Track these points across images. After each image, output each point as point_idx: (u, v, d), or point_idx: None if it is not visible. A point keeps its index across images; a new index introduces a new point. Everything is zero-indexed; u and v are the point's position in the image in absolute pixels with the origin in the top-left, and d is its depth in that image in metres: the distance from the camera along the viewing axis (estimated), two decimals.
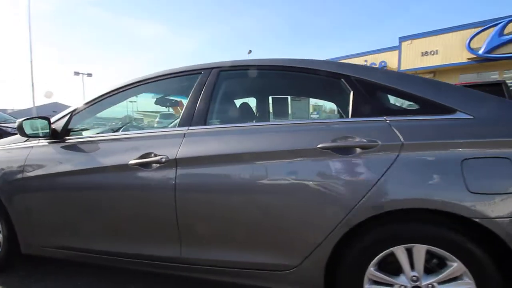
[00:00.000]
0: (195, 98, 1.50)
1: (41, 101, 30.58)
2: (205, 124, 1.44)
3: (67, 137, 1.69)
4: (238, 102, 1.99)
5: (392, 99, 1.36)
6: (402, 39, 11.35)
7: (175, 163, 1.36)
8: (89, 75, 30.24)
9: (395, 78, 1.31)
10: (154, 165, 1.39)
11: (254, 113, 2.09)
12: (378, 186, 1.10)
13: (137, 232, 1.49)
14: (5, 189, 1.72)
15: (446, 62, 10.22)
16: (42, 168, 1.66)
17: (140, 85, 1.72)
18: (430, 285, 1.11)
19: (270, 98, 2.16)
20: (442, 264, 1.11)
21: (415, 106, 1.23)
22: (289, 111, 2.51)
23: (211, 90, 1.50)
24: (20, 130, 1.63)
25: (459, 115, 1.15)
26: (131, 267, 1.53)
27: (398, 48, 11.60)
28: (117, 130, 1.97)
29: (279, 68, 1.51)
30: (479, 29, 9.20)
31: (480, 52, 9.17)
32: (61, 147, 1.67)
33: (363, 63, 13.94)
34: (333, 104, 2.10)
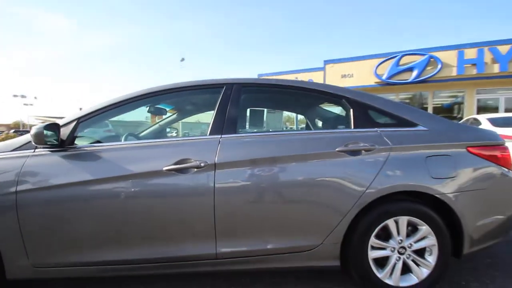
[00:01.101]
0: (222, 108, 1.70)
1: None
2: (235, 132, 1.66)
3: (70, 146, 1.62)
4: (263, 113, 2.25)
5: (375, 115, 1.86)
6: (326, 62, 13.29)
7: (214, 167, 1.53)
8: None
9: (380, 100, 1.82)
10: (192, 170, 1.53)
11: (276, 124, 2.37)
12: (378, 177, 1.56)
13: (170, 235, 1.56)
14: None
15: (359, 84, 12.42)
16: (44, 179, 1.53)
17: (159, 95, 1.80)
18: (409, 244, 1.61)
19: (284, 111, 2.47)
20: (416, 229, 1.62)
21: (393, 121, 1.76)
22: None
23: (236, 102, 1.73)
24: (40, 137, 1.49)
25: (419, 128, 1.72)
26: (165, 271, 1.57)
27: (323, 69, 13.48)
28: (134, 138, 1.95)
29: (296, 88, 1.87)
30: (383, 59, 11.64)
31: (384, 77, 11.56)
32: (68, 155, 1.59)
33: (294, 79, 15.57)
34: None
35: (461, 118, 9.89)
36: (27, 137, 1.63)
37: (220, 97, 1.74)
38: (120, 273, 1.59)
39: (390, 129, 1.70)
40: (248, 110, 1.84)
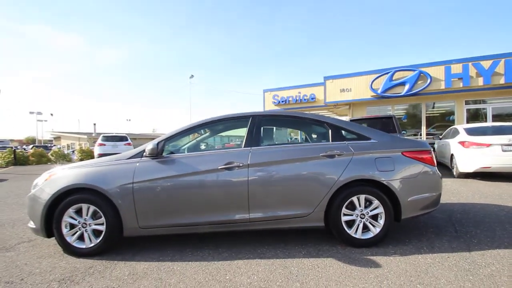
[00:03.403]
0: (251, 131, 2.81)
1: None
2: (259, 145, 2.75)
3: (161, 155, 2.73)
4: (274, 132, 3.38)
5: (344, 133, 2.93)
6: (327, 78, 14.47)
7: (247, 166, 2.62)
8: None
9: (347, 123, 2.90)
10: (235, 168, 2.61)
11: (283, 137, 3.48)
12: (346, 170, 2.61)
13: (222, 206, 2.62)
14: (119, 191, 2.59)
15: (357, 97, 13.56)
16: (150, 174, 2.63)
17: (214, 122, 2.97)
18: (367, 212, 2.64)
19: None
20: (370, 202, 2.66)
21: (355, 136, 2.83)
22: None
23: (259, 126, 2.84)
24: (156, 150, 2.62)
25: (371, 141, 2.79)
26: (215, 230, 2.64)
27: (323, 84, 14.65)
28: (198, 149, 3.08)
29: (294, 117, 2.99)
30: (378, 75, 12.77)
31: (379, 91, 12.66)
32: (161, 161, 2.69)
33: (297, 94, 16.76)
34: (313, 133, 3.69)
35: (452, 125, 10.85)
36: (137, 150, 2.76)
37: (249, 123, 2.85)
38: (193, 231, 2.65)
39: (353, 142, 2.78)
40: (263, 128, 2.92)
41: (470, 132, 6.78)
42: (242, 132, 2.95)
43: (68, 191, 2.60)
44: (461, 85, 11.28)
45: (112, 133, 16.55)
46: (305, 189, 2.63)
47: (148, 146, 2.67)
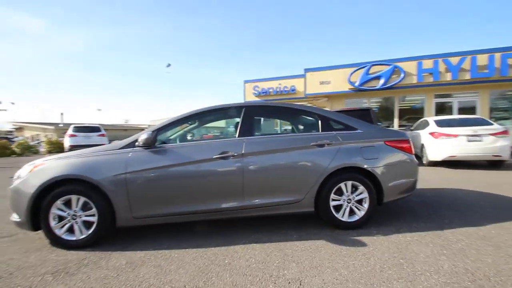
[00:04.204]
0: (244, 121, 2.86)
1: None
2: (253, 135, 2.82)
3: (154, 146, 2.70)
4: (263, 123, 3.43)
5: (333, 124, 3.08)
6: (307, 70, 14.72)
7: (242, 155, 2.68)
8: None
9: (336, 114, 3.05)
10: (231, 157, 2.67)
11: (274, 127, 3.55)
12: (334, 159, 2.77)
13: (218, 194, 2.68)
14: (111, 181, 2.55)
15: (335, 90, 13.97)
16: (144, 164, 2.61)
17: (207, 112, 2.97)
18: (353, 197, 2.83)
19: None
20: (356, 188, 2.85)
21: (342, 127, 2.99)
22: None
23: (252, 117, 2.89)
24: (150, 140, 2.58)
25: (358, 131, 2.96)
26: (212, 217, 2.70)
27: (304, 76, 14.90)
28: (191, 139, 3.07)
29: (287, 108, 3.08)
30: (355, 68, 13.22)
31: (356, 84, 13.13)
32: (155, 151, 2.68)
33: (277, 86, 16.90)
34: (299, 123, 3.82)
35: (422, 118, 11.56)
36: (128, 140, 2.72)
37: (242, 114, 2.90)
38: (189, 219, 2.68)
39: (341, 132, 2.93)
40: (255, 118, 2.98)
41: (439, 124, 7.31)
42: (222, 123, 3.01)
43: (56, 182, 2.52)
44: (431, 79, 12.00)
45: (84, 124, 15.66)
46: (297, 177, 2.75)
47: (142, 136, 2.64)
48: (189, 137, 3.39)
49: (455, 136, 6.59)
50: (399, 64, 12.45)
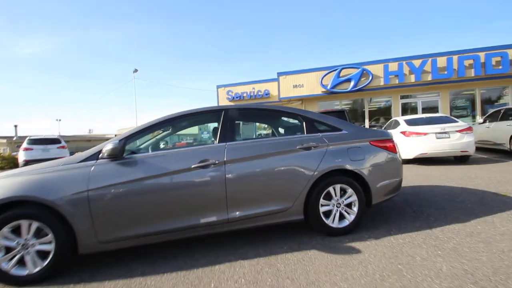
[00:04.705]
0: (225, 125, 2.62)
1: None
2: (235, 140, 2.59)
3: (121, 156, 2.37)
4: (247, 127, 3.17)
5: (318, 125, 2.95)
6: (280, 74, 14.82)
7: (224, 162, 2.44)
8: None
9: (320, 115, 2.92)
10: (211, 166, 2.41)
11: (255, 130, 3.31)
12: (322, 162, 2.62)
13: (197, 209, 2.40)
14: (70, 201, 2.17)
15: (308, 93, 14.20)
16: (110, 179, 2.26)
17: (180, 118, 2.65)
18: (342, 201, 2.70)
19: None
20: (345, 191, 2.72)
21: (328, 128, 2.86)
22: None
23: (233, 120, 2.66)
24: (116, 151, 2.23)
25: (343, 132, 2.86)
26: (191, 235, 2.40)
27: (277, 80, 14.97)
28: (164, 148, 2.73)
29: (269, 110, 2.89)
30: (327, 71, 13.56)
31: (328, 87, 13.46)
32: (124, 162, 2.34)
33: (251, 90, 16.82)
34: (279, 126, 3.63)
35: (390, 118, 12.07)
36: (90, 152, 2.35)
37: (222, 117, 2.66)
38: (166, 239, 2.37)
39: (327, 133, 2.81)
40: (237, 122, 2.75)
41: (409, 123, 7.60)
42: (195, 130, 2.75)
43: (0, 206, 2.09)
44: (397, 81, 12.62)
45: (41, 136, 14.25)
46: (285, 183, 2.57)
47: (107, 146, 2.29)
48: (162, 146, 3.07)
49: (425, 134, 6.86)
50: (367, 67, 12.96)
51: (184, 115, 2.68)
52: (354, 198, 2.71)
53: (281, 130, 3.52)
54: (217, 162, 2.43)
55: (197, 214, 2.40)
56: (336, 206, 2.70)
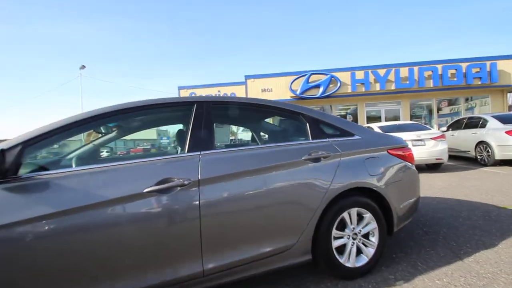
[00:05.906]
0: (197, 125, 1.75)
1: None
2: (212, 148, 1.72)
3: (14, 176, 1.36)
4: (220, 130, 2.29)
5: (324, 128, 2.23)
6: (247, 77, 14.15)
7: (198, 183, 1.56)
8: None
9: (326, 115, 2.20)
10: (176, 189, 1.52)
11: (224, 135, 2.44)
12: (335, 178, 1.89)
13: (153, 260, 1.48)
14: None
15: (277, 98, 13.71)
16: None
17: (115, 115, 1.69)
18: (359, 230, 1.99)
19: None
20: (361, 217, 2.03)
21: (337, 132, 2.16)
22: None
23: (210, 119, 1.80)
24: (7, 168, 1.21)
25: (355, 137, 2.17)
26: None
27: (244, 83, 14.27)
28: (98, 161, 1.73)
29: (259, 106, 2.07)
30: (296, 76, 13.26)
31: (297, 92, 13.15)
32: (18, 186, 1.34)
33: (216, 93, 15.87)
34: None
35: None
36: None
37: (193, 114, 1.78)
38: None
39: (337, 139, 2.09)
40: (215, 122, 1.89)
41: (385, 130, 7.40)
42: (153, 134, 1.84)
43: None
44: (363, 89, 12.79)
45: None
46: (287, 210, 1.77)
47: None
48: (103, 155, 2.05)
49: None
50: (336, 74, 12.95)
51: (130, 109, 1.71)
52: (373, 225, 2.03)
53: (273, 134, 2.70)
54: (186, 182, 1.54)
55: (153, 269, 1.47)
56: (352, 238, 1.98)
